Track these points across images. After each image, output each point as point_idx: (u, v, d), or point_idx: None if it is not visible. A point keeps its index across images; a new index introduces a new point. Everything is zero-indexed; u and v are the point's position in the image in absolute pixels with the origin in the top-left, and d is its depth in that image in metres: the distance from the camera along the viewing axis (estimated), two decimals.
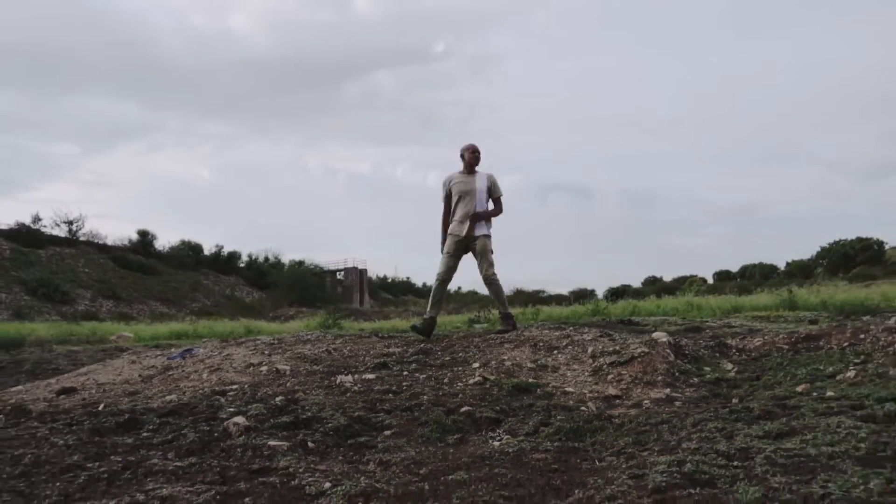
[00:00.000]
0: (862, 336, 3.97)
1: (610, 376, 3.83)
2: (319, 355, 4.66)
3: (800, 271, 53.01)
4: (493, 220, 5.62)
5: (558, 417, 3.04)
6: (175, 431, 2.95)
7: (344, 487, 1.95)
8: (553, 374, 4.00)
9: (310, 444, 2.70)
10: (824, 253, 55.58)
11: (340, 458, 2.50)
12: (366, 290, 58.01)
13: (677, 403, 3.28)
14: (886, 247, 54.63)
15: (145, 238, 50.92)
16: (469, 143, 5.58)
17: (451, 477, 2.08)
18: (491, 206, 5.58)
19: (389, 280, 67.91)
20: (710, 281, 61.19)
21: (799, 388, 3.14)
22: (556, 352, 4.33)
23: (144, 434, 2.97)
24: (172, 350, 5.54)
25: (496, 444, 2.63)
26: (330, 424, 2.96)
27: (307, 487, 2.00)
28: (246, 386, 3.94)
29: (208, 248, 54.06)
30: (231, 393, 3.80)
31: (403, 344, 5.10)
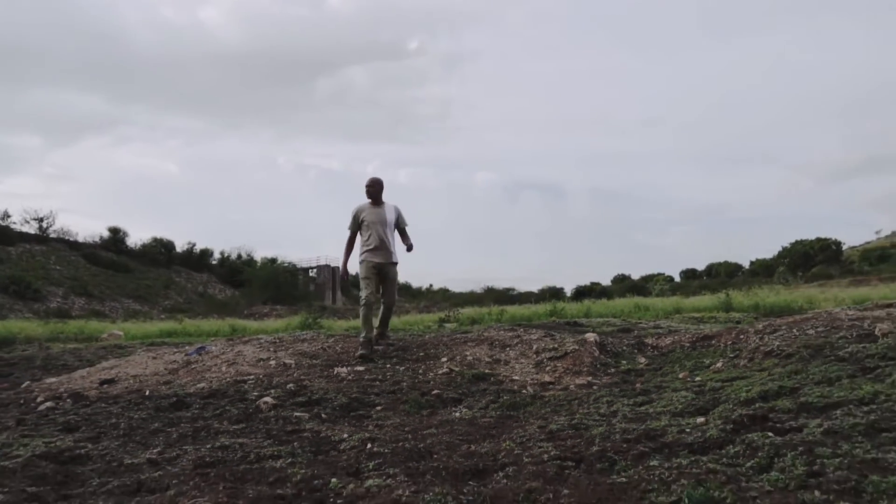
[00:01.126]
0: (742, 336, 5.15)
1: (548, 368, 4.94)
2: (316, 351, 5.69)
3: (763, 270, 54.85)
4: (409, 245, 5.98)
5: (504, 397, 4.12)
6: (219, 408, 3.96)
7: (356, 436, 3.00)
8: (504, 366, 5.10)
9: (323, 415, 3.74)
10: (785, 253, 57.75)
11: (347, 423, 3.54)
12: (338, 288, 58.66)
13: (594, 387, 4.38)
14: (844, 247, 57.03)
15: (117, 235, 50.88)
16: (371, 177, 5.89)
17: (425, 431, 3.14)
18: (397, 235, 5.97)
19: None
20: (677, 279, 63.24)
21: (680, 375, 4.28)
22: (508, 349, 5.43)
23: (195, 410, 3.97)
24: (187, 347, 6.49)
25: (457, 414, 3.70)
26: (335, 403, 4.00)
27: (332, 437, 3.05)
28: (261, 376, 4.94)
29: (180, 246, 54.21)
30: (250, 381, 4.81)
31: (385, 343, 6.14)
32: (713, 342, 5.34)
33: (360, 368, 5.09)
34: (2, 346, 14.08)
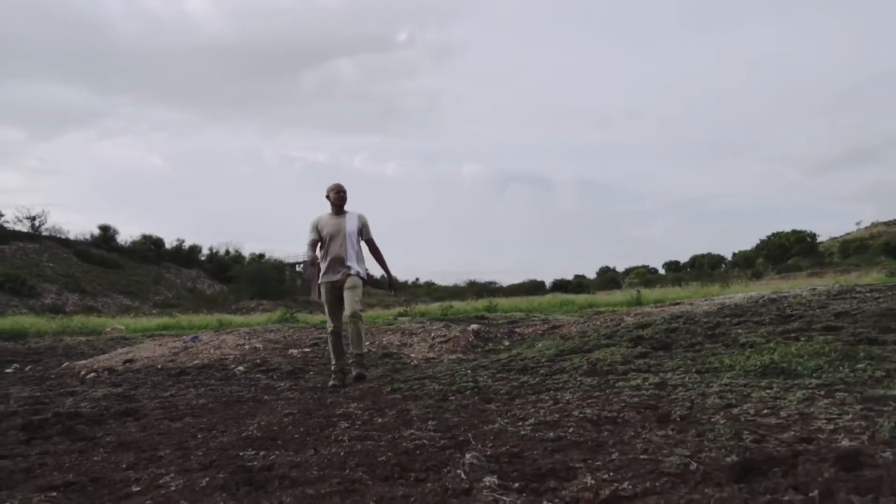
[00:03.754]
0: (574, 326, 7.39)
1: (436, 348, 7.17)
2: (279, 339, 7.89)
3: (744, 262, 56.61)
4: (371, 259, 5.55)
5: (397, 366, 6.33)
6: (209, 374, 6.15)
7: (289, 384, 5.20)
8: (408, 348, 7.32)
9: (274, 377, 5.94)
10: (763, 245, 59.86)
11: (287, 380, 5.74)
12: None
13: (464, 361, 6.60)
14: (824, 238, 58.79)
15: (107, 233, 52.71)
16: (334, 184, 5.45)
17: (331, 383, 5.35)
18: (363, 246, 5.50)
19: None
20: (662, 271, 65.21)
21: (514, 352, 6.50)
22: (413, 336, 7.65)
23: (193, 375, 6.16)
24: (184, 337, 8.66)
25: None
26: (284, 370, 6.21)
27: (275, 386, 5.24)
28: (238, 355, 7.14)
29: (169, 242, 56.11)
30: (230, 358, 7.00)
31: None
32: (558, 330, 7.59)
33: (307, 349, 7.30)
34: (16, 338, 16.22)
